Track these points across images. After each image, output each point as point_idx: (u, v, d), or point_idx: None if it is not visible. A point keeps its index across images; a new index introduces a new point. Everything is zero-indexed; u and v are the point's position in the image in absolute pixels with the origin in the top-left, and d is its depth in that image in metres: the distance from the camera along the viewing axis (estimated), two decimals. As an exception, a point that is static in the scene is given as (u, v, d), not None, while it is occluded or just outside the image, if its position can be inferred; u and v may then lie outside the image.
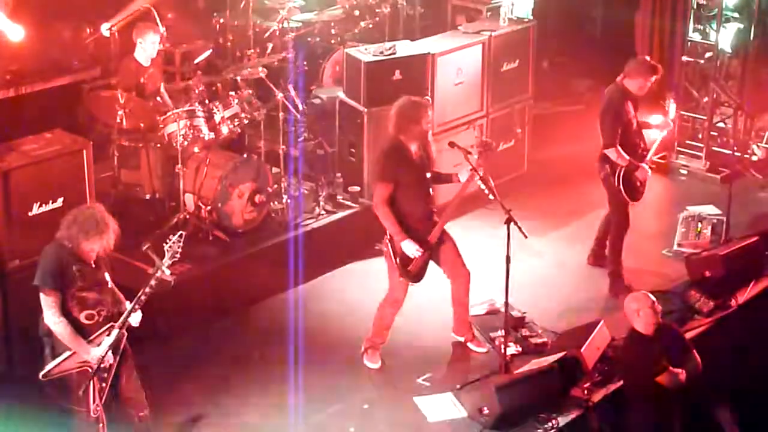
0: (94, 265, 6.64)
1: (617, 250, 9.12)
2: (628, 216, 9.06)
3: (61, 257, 6.56)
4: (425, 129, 7.87)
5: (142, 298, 6.59)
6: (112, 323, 6.63)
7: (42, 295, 6.54)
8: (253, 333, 8.49)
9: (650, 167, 9.09)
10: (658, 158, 10.65)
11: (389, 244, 7.85)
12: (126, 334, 6.68)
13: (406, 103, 7.92)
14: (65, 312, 6.54)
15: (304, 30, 11.60)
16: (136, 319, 6.69)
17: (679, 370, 7.33)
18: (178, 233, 6.71)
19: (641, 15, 12.34)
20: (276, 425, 7.53)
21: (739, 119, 11.33)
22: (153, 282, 6.59)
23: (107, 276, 6.74)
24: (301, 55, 11.35)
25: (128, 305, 6.68)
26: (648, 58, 9.21)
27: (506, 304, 7.97)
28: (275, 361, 8.13)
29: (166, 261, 6.62)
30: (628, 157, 8.79)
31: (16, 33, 9.12)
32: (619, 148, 8.77)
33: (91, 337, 6.57)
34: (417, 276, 7.94)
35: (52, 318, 6.50)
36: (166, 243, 6.67)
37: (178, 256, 6.67)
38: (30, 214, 7.68)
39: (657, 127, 9.25)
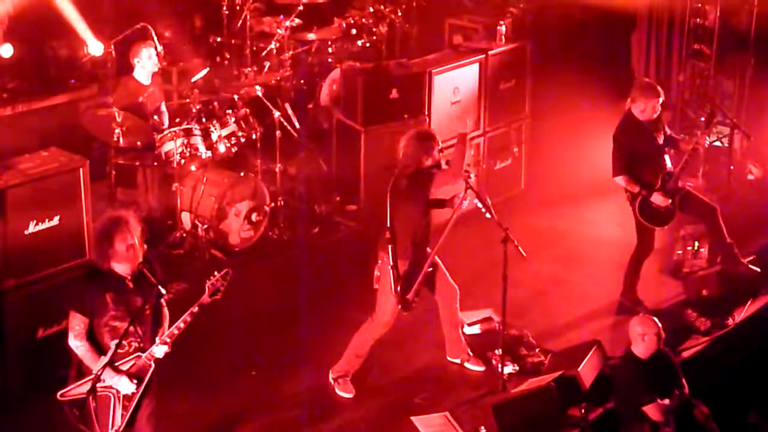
0: (132, 286, 6.40)
1: (634, 270, 8.99)
2: (652, 241, 8.92)
3: (93, 284, 6.39)
4: (433, 161, 7.74)
5: (175, 332, 6.38)
6: (139, 354, 6.43)
7: (69, 315, 6.39)
8: (249, 352, 8.45)
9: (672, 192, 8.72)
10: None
11: (391, 272, 7.74)
12: (153, 366, 6.44)
13: (414, 133, 7.83)
14: (94, 337, 6.38)
15: (301, 49, 11.63)
16: (160, 351, 6.42)
17: (666, 401, 7.30)
18: (225, 270, 6.49)
19: (637, 34, 12.36)
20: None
21: (736, 138, 11.32)
22: (188, 317, 6.37)
23: (146, 307, 6.42)
24: (298, 74, 11.38)
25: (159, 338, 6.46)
26: (647, 80, 9.03)
27: (503, 322, 7.95)
28: (272, 380, 8.10)
29: (206, 298, 6.40)
30: (638, 185, 8.63)
31: (5, 50, 9.17)
32: (628, 176, 8.62)
33: (116, 364, 6.39)
34: (411, 305, 7.84)
35: (73, 341, 6.36)
36: (209, 279, 6.45)
37: (219, 294, 6.44)
38: (26, 232, 7.63)
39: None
